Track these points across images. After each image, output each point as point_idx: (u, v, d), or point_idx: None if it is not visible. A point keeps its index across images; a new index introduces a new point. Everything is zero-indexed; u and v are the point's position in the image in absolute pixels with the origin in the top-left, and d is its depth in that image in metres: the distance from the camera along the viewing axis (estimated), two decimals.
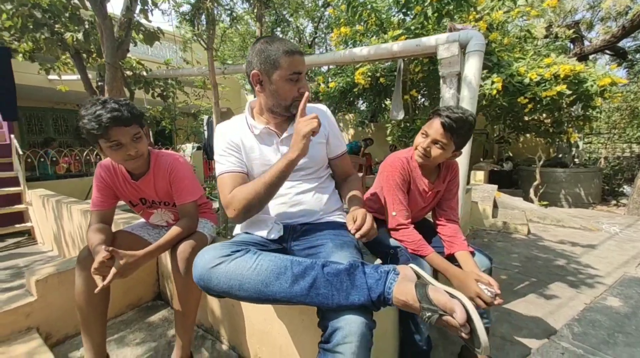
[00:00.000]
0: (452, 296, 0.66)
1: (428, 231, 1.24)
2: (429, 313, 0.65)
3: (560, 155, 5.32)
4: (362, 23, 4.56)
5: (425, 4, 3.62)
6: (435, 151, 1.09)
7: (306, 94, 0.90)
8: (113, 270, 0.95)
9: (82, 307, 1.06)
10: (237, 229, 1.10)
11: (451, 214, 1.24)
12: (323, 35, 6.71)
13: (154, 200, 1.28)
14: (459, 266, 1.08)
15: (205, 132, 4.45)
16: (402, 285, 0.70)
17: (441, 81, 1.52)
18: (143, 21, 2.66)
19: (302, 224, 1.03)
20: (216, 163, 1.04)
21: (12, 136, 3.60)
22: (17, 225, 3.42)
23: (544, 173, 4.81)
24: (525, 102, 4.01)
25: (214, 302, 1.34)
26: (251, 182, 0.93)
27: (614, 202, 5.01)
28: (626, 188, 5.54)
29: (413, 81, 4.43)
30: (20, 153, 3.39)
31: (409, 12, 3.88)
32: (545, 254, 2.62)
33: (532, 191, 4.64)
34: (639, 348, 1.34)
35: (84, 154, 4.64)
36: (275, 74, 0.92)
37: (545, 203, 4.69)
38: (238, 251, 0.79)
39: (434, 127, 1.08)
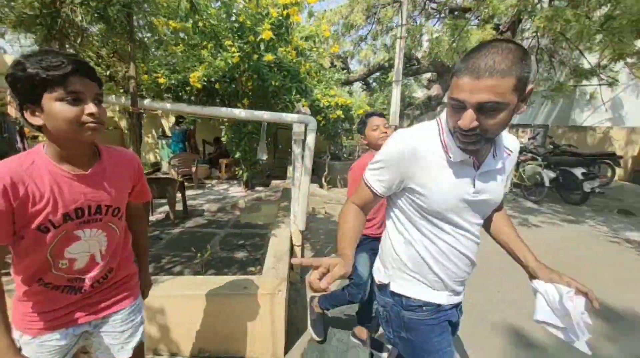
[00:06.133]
0: None
1: None
2: None
3: (337, 151, 7.88)
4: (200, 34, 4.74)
5: (258, 39, 4.48)
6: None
7: None
8: None
9: None
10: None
11: None
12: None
13: (100, 205, 0.88)
14: None
15: None
16: None
17: (293, 141, 2.51)
18: None
19: None
20: (374, 162, 0.92)
21: None
22: None
23: (329, 165, 7.06)
24: (320, 119, 5.78)
25: None
26: (350, 222, 0.94)
27: None
28: None
29: (244, 91, 5.24)
30: None
31: (243, 38, 4.56)
32: (336, 226, 4.38)
33: (323, 179, 6.78)
34: None
35: None
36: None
37: (330, 186, 6.99)
38: None
39: (376, 121, 1.69)
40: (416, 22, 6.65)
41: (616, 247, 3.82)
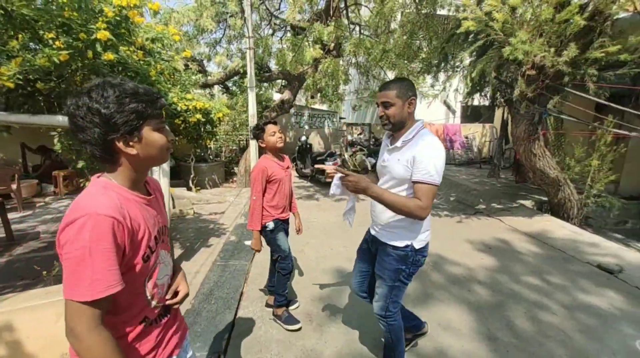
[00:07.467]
0: None
1: None
2: None
3: (203, 154, 7.87)
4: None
5: (92, 37, 4.13)
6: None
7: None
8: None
9: None
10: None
11: None
12: None
13: (162, 226, 0.90)
14: None
15: None
16: None
17: None
18: None
19: None
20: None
21: None
22: None
23: (195, 167, 7.03)
24: (179, 123, 5.79)
25: None
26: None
27: (231, 180, 8.41)
28: (236, 169, 9.33)
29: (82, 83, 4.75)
30: None
31: (70, 34, 4.08)
32: (205, 224, 4.64)
33: (190, 181, 6.72)
34: (241, 256, 3.55)
35: None
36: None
37: (198, 188, 6.99)
38: None
39: (273, 128, 2.06)
40: (262, 35, 7.40)
41: None
